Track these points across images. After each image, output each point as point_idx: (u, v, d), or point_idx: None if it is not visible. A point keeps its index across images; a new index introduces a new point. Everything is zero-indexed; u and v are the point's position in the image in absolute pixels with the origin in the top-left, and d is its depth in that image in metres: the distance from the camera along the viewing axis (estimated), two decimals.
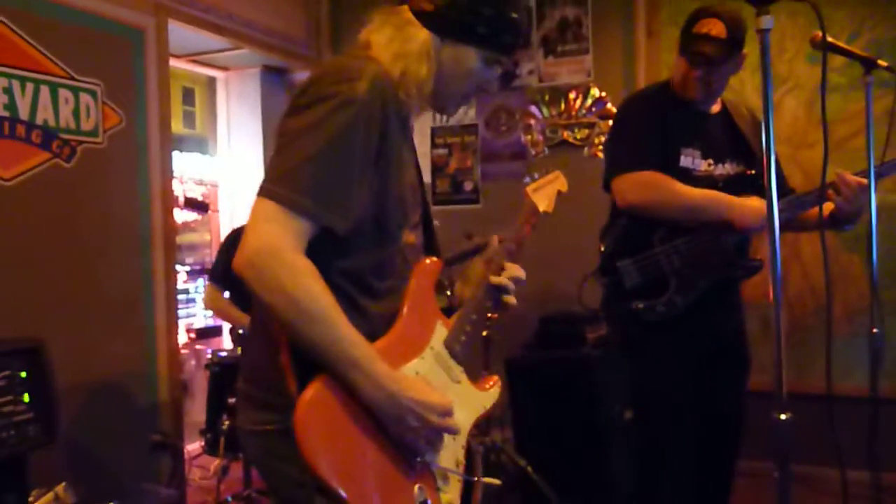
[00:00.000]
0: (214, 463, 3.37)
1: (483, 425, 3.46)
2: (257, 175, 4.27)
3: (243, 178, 4.67)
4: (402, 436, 1.34)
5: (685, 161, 2.27)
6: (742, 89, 3.30)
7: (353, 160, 1.29)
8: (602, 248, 2.40)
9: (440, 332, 1.47)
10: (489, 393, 1.58)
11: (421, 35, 1.39)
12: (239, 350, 2.92)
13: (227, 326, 4.69)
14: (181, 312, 3.91)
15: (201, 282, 4.76)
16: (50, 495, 2.68)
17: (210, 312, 3.28)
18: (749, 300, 2.62)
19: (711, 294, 2.25)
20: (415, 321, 1.44)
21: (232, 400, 2.91)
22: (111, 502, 2.63)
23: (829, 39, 1.84)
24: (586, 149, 4.02)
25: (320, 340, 1.25)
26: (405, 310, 1.43)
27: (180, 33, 3.72)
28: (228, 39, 4.00)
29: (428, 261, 1.51)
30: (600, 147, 3.93)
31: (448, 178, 4.34)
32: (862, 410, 2.08)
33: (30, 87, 2.91)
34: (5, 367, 2.39)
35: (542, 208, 1.72)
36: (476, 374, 1.58)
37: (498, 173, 4.23)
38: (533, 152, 4.15)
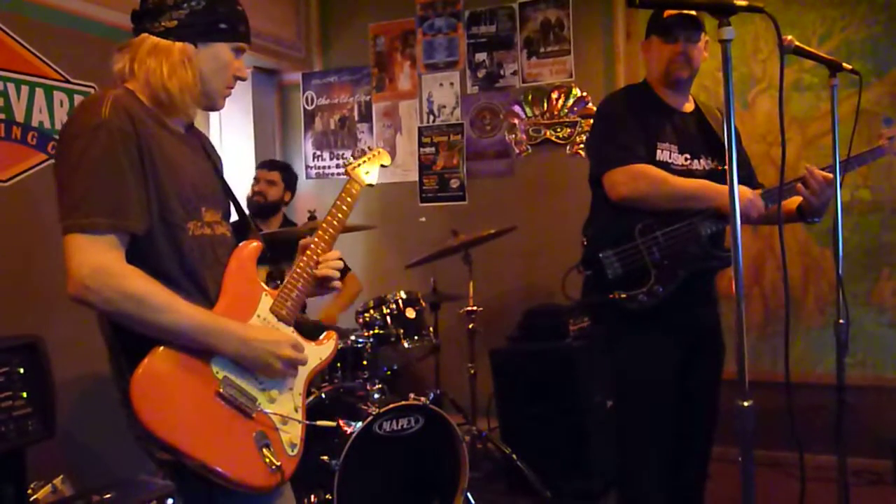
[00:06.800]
0: None
1: (469, 414, 3.54)
2: (248, 172, 4.31)
3: (234, 175, 4.72)
4: (266, 374, 1.55)
5: (662, 155, 2.33)
6: (717, 89, 3.39)
7: (123, 170, 1.45)
8: (585, 241, 2.45)
9: (265, 301, 1.64)
10: (323, 347, 1.76)
11: (176, 47, 1.56)
12: None
13: None
14: None
15: None
16: (48, 487, 2.72)
17: None
18: (726, 293, 2.71)
19: (690, 285, 2.31)
20: (238, 295, 1.60)
21: None
22: (108, 494, 2.66)
23: (797, 44, 1.91)
24: (568, 147, 4.09)
25: (172, 323, 1.43)
26: (225, 287, 1.59)
27: None
28: None
29: (247, 243, 1.67)
30: (582, 145, 4.02)
31: (435, 176, 4.39)
32: (830, 397, 2.18)
33: (25, 89, 2.94)
34: (4, 363, 2.41)
35: (366, 182, 1.91)
36: (313, 335, 1.75)
37: (483, 171, 4.28)
38: (517, 150, 4.21)
